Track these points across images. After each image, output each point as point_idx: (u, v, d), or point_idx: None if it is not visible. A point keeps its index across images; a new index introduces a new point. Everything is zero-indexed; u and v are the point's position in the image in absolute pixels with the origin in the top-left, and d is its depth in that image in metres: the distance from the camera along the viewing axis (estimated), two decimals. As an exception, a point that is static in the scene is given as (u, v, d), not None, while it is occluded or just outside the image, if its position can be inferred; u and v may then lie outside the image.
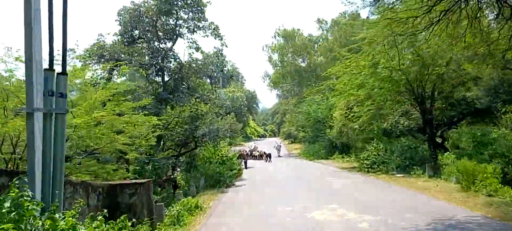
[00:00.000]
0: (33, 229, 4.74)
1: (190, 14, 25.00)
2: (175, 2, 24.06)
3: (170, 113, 24.40)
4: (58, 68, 6.18)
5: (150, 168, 21.11)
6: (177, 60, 23.49)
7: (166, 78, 23.84)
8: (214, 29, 27.00)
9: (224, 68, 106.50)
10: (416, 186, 16.96)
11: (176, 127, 25.19)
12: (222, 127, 25.46)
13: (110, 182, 10.75)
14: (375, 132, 28.26)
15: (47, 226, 4.93)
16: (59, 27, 6.09)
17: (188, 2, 24.64)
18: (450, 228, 9.41)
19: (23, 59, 6.01)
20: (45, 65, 5.89)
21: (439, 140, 24.83)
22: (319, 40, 55.76)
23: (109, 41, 22.13)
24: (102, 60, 21.08)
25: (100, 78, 21.77)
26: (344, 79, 26.09)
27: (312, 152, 45.00)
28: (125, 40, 23.52)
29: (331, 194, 16.10)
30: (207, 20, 26.10)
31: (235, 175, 25.61)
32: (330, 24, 56.17)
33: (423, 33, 13.30)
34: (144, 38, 23.69)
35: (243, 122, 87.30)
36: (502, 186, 13.60)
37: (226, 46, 25.78)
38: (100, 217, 6.73)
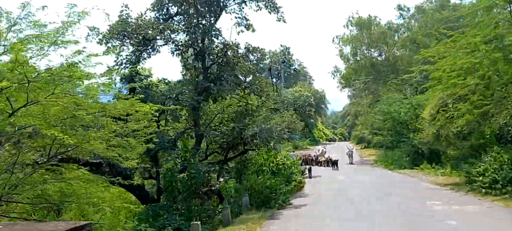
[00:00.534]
0: None
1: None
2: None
3: (213, 107, 19.39)
4: None
5: (185, 177, 16.18)
6: (222, 39, 18.34)
7: (208, 63, 18.80)
8: (268, -1, 21.09)
9: (291, 67, 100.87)
10: None
11: (221, 125, 20.11)
12: (277, 126, 19.91)
13: None
14: (488, 136, 20.86)
15: None
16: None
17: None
18: None
19: None
20: None
21: None
22: (400, 30, 47.89)
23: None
24: (125, 39, 16.55)
25: (126, 62, 17.33)
26: (445, 63, 19.06)
27: (391, 160, 37.61)
28: (160, 16, 18.93)
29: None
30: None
31: (294, 189, 19.88)
32: (414, 11, 48.04)
33: None
34: (181, 14, 18.84)
35: (309, 124, 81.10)
36: None
37: (284, 21, 20.11)
38: None
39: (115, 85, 15.78)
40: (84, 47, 7.37)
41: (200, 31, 17.64)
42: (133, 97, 16.91)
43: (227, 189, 17.76)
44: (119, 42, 16.88)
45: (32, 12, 6.83)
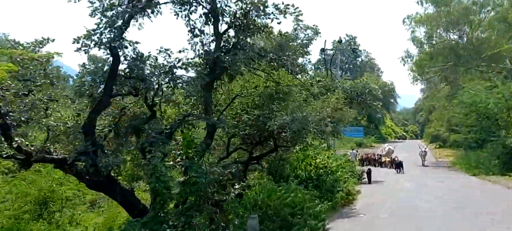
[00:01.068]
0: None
1: None
2: None
3: (229, 87, 14.80)
4: None
5: (181, 182, 11.82)
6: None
7: (222, 28, 14.16)
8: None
9: (357, 58, 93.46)
10: None
11: (242, 112, 15.52)
12: (316, 114, 14.82)
13: None
14: None
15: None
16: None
17: None
18: None
19: None
20: None
21: None
22: (486, 7, 39.62)
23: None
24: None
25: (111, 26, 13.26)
26: None
27: (474, 163, 30.41)
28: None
29: None
30: None
31: (339, 203, 14.71)
32: (504, -17, 39.49)
33: None
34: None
35: (376, 119, 73.56)
36: None
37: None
38: None
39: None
40: None
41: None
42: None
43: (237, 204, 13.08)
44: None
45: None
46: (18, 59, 10.94)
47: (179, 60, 13.36)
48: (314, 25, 32.56)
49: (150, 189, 12.01)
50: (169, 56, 13.73)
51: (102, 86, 12.06)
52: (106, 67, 12.33)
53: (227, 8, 14.18)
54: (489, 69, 36.99)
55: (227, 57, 12.98)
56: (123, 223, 13.10)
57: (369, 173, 25.65)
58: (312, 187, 14.95)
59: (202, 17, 14.20)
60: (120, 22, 12.13)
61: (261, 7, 14.12)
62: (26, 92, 10.81)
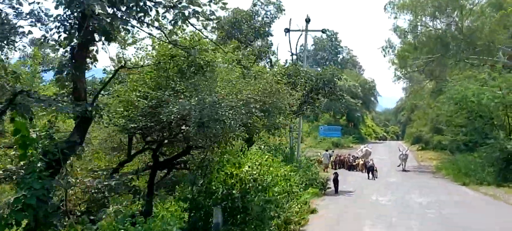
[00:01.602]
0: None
1: None
2: None
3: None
4: None
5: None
6: None
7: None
8: None
9: (338, 55, 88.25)
10: None
11: (137, 95, 9.93)
12: (238, 98, 9.31)
13: None
14: None
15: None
16: None
17: None
18: None
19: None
20: None
21: None
22: (479, -8, 34.91)
23: None
24: None
25: None
26: None
27: (464, 169, 25.41)
28: None
29: None
30: None
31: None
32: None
33: None
34: None
35: (355, 118, 68.72)
36: None
37: None
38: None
39: None
40: None
41: None
42: None
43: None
44: None
45: None
46: None
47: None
48: (277, 1, 27.21)
49: None
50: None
51: None
52: None
53: None
54: (481, 62, 32.16)
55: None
56: None
57: (336, 180, 20.34)
58: (233, 210, 9.47)
59: None
60: None
61: None
62: None
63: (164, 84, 10.06)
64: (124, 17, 8.33)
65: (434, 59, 37.73)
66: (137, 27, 8.94)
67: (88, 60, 8.73)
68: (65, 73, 8.74)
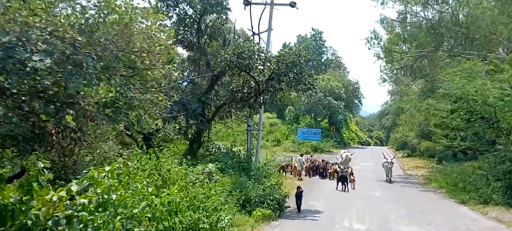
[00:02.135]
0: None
1: None
2: None
3: None
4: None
5: None
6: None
7: None
8: None
9: (322, 55, 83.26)
10: None
11: None
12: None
13: None
14: None
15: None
16: None
17: None
18: None
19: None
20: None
21: None
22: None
23: None
24: None
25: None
26: None
27: (462, 182, 20.47)
28: None
29: None
30: None
31: None
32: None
33: None
34: None
35: (337, 122, 63.87)
36: None
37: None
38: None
39: None
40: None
41: None
42: None
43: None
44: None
45: None
46: None
47: None
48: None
49: None
50: None
51: None
52: None
53: None
54: (481, 58, 27.39)
55: None
56: None
57: (299, 196, 15.11)
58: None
59: None
60: None
61: None
62: None
63: None
64: None
65: (425, 54, 33.00)
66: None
67: None
68: None
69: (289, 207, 14.92)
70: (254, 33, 20.48)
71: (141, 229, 5.64)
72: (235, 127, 23.94)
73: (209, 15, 20.20)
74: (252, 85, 17.11)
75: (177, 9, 19.15)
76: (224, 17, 20.35)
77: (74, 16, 4.96)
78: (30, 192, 4.72)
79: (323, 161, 30.20)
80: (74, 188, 4.97)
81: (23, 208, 4.52)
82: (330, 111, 62.01)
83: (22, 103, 5.25)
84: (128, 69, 5.25)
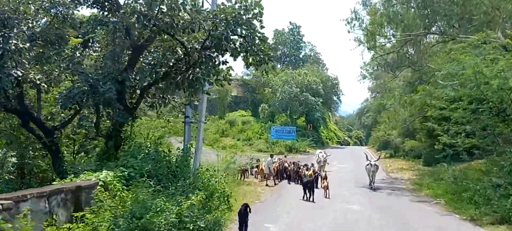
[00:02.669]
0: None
1: None
2: None
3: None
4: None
5: None
6: None
7: None
8: None
9: (300, 51, 77.99)
10: None
11: None
12: None
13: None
14: None
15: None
16: None
17: None
18: None
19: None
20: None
21: None
22: None
23: None
24: None
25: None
26: None
27: (467, 192, 15.69)
28: None
29: None
30: None
31: None
32: None
33: None
34: None
35: (314, 120, 59.22)
36: None
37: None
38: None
39: None
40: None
41: None
42: None
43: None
44: None
45: None
46: None
47: None
48: None
49: None
50: None
51: None
52: None
53: None
54: (480, 41, 22.83)
55: None
56: None
57: (242, 214, 9.95)
58: None
59: None
60: None
61: None
62: None
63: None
64: None
65: (412, 38, 28.35)
66: None
67: None
68: None
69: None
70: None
71: None
72: (175, 119, 18.66)
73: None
74: (181, 56, 11.81)
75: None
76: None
77: None
78: None
79: (293, 163, 25.11)
80: None
81: None
82: (307, 108, 57.43)
83: None
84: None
